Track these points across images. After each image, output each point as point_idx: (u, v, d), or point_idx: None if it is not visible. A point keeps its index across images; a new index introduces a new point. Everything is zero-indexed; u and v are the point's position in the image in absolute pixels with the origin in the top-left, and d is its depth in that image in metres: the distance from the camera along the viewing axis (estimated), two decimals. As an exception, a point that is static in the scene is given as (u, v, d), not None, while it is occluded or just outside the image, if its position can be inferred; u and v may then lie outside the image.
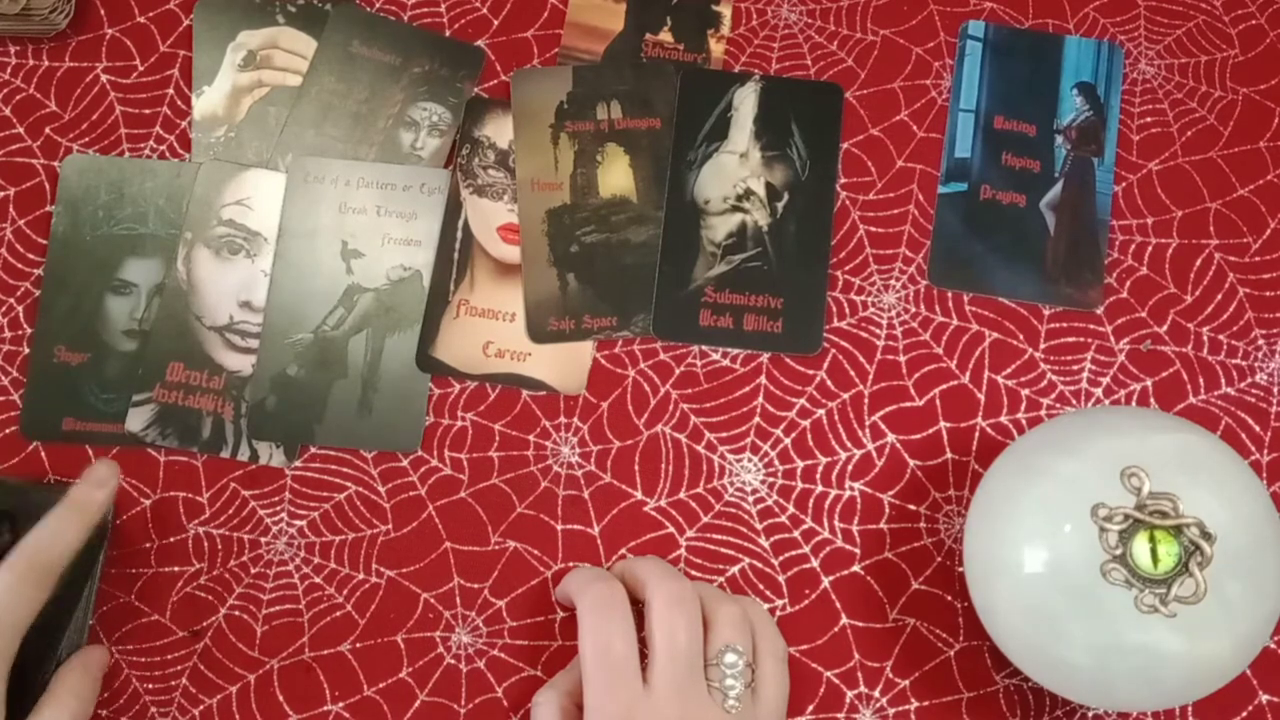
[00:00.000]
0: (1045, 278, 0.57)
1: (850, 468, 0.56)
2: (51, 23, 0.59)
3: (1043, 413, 0.56)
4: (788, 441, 0.56)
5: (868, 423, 0.56)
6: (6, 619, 0.46)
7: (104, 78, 0.60)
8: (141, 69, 0.60)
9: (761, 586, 0.54)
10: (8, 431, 0.56)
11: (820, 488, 0.55)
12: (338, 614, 0.54)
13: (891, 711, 0.53)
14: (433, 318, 0.57)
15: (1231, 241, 0.58)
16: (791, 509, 0.55)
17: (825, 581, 0.55)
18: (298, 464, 0.56)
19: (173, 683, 0.53)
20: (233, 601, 0.54)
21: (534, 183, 0.58)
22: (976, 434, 0.56)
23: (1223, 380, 0.56)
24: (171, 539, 0.55)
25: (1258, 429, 0.56)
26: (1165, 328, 0.57)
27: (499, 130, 0.59)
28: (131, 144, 0.59)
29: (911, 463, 0.56)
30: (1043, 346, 0.57)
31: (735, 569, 0.55)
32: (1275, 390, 0.56)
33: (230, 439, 0.56)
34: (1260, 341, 0.57)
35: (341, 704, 0.53)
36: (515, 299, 0.57)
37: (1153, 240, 0.58)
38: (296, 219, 0.57)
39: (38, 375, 0.56)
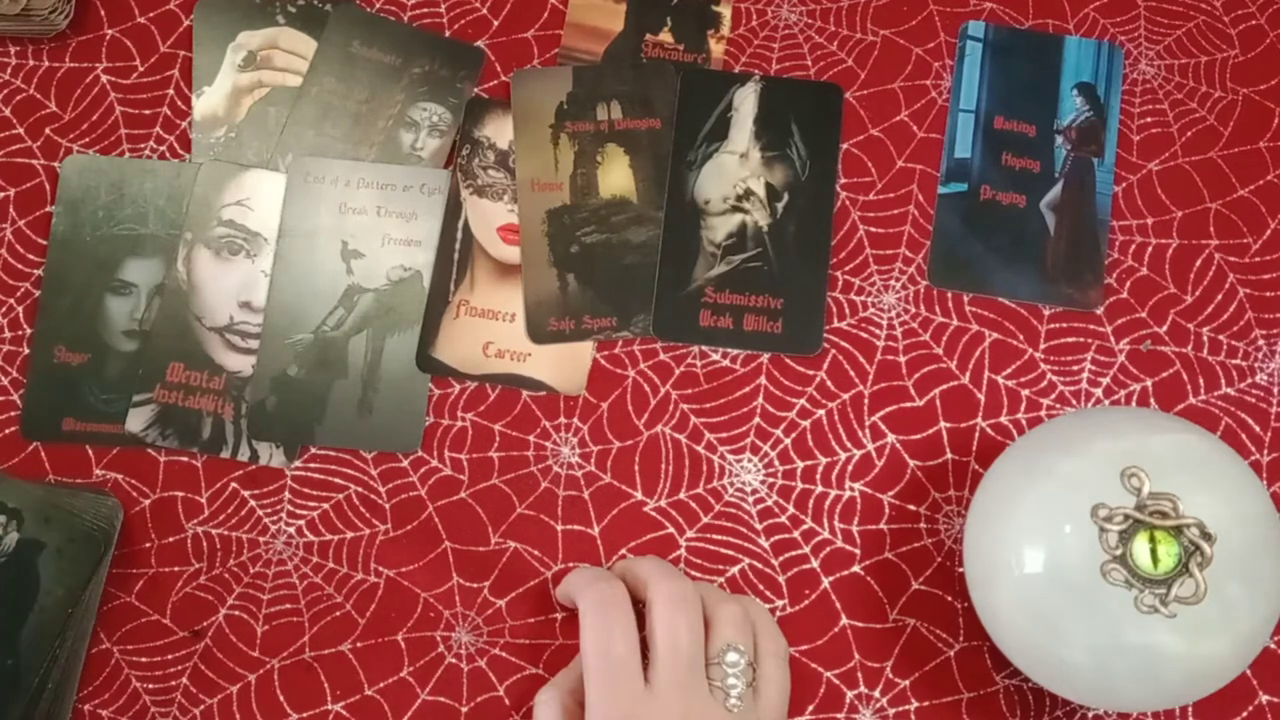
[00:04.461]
0: (1045, 278, 0.57)
1: (850, 468, 0.56)
2: (51, 23, 0.59)
3: (1043, 413, 0.56)
4: (788, 442, 0.56)
5: (868, 423, 0.56)
6: None
7: (104, 78, 0.60)
8: (141, 69, 0.60)
9: (761, 587, 0.54)
10: (8, 432, 0.56)
11: (820, 488, 0.55)
12: (338, 614, 0.54)
13: (891, 712, 0.53)
14: (433, 318, 0.57)
15: (1231, 242, 0.58)
16: (791, 509, 0.55)
17: (825, 582, 0.55)
18: (298, 464, 0.56)
19: (173, 683, 0.53)
20: (233, 601, 0.54)
21: (534, 183, 0.58)
22: (976, 434, 0.56)
23: (1223, 380, 0.56)
24: (171, 539, 0.55)
25: (1258, 429, 0.56)
26: (1165, 328, 0.57)
27: (499, 130, 0.59)
28: (131, 144, 0.59)
29: (911, 463, 0.56)
30: (1043, 347, 0.57)
31: (735, 569, 0.55)
32: (1275, 390, 0.56)
33: (230, 439, 0.56)
34: (1260, 341, 0.57)
35: (342, 704, 0.53)
36: (515, 299, 0.57)
37: (1153, 240, 0.58)
38: (296, 219, 0.57)
39: (38, 375, 0.56)
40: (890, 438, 0.56)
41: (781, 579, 0.55)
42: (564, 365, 0.56)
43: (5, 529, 0.52)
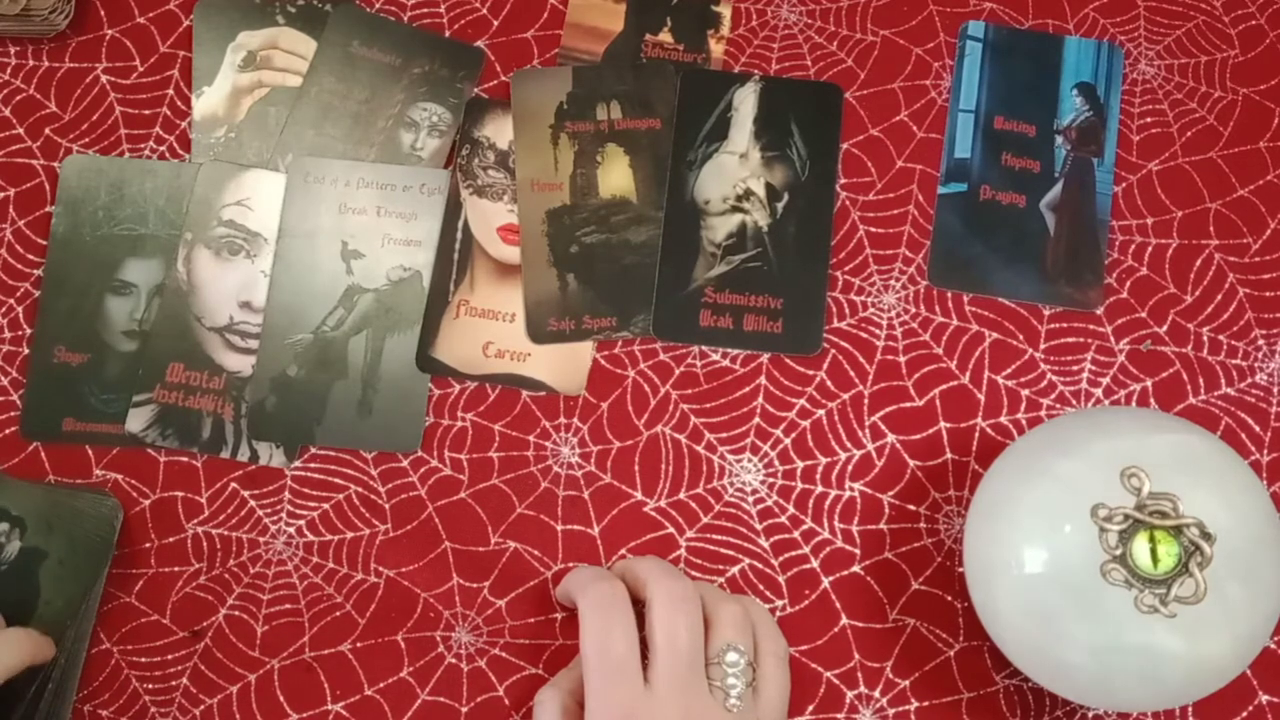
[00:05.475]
0: (1045, 278, 0.57)
1: (850, 468, 0.56)
2: (51, 23, 0.59)
3: (1043, 413, 0.56)
4: (788, 442, 0.56)
5: (868, 423, 0.56)
6: None
7: (104, 78, 0.60)
8: (141, 69, 0.60)
9: (761, 587, 0.54)
10: (8, 432, 0.56)
11: (820, 488, 0.55)
12: (338, 614, 0.54)
13: (891, 712, 0.53)
14: (433, 318, 0.57)
15: (1231, 241, 0.58)
16: (791, 509, 0.55)
17: (825, 582, 0.55)
18: (298, 464, 0.56)
19: (173, 683, 0.53)
20: (233, 601, 0.54)
21: (534, 183, 0.58)
22: (976, 434, 0.56)
23: (1223, 380, 0.56)
24: (171, 539, 0.55)
25: (1258, 429, 0.56)
26: (1165, 328, 0.57)
27: (499, 131, 0.59)
28: (131, 144, 0.59)
29: (911, 463, 0.56)
30: (1043, 347, 0.57)
31: (735, 569, 0.55)
32: (1275, 390, 0.56)
33: (230, 439, 0.56)
34: (1260, 341, 0.57)
35: (342, 704, 0.53)
36: (515, 299, 0.57)
37: (1153, 240, 0.58)
38: (296, 219, 0.57)
39: (38, 376, 0.56)
40: (890, 438, 0.56)
41: (781, 579, 0.55)
42: (564, 365, 0.56)
43: (7, 537, 0.52)
